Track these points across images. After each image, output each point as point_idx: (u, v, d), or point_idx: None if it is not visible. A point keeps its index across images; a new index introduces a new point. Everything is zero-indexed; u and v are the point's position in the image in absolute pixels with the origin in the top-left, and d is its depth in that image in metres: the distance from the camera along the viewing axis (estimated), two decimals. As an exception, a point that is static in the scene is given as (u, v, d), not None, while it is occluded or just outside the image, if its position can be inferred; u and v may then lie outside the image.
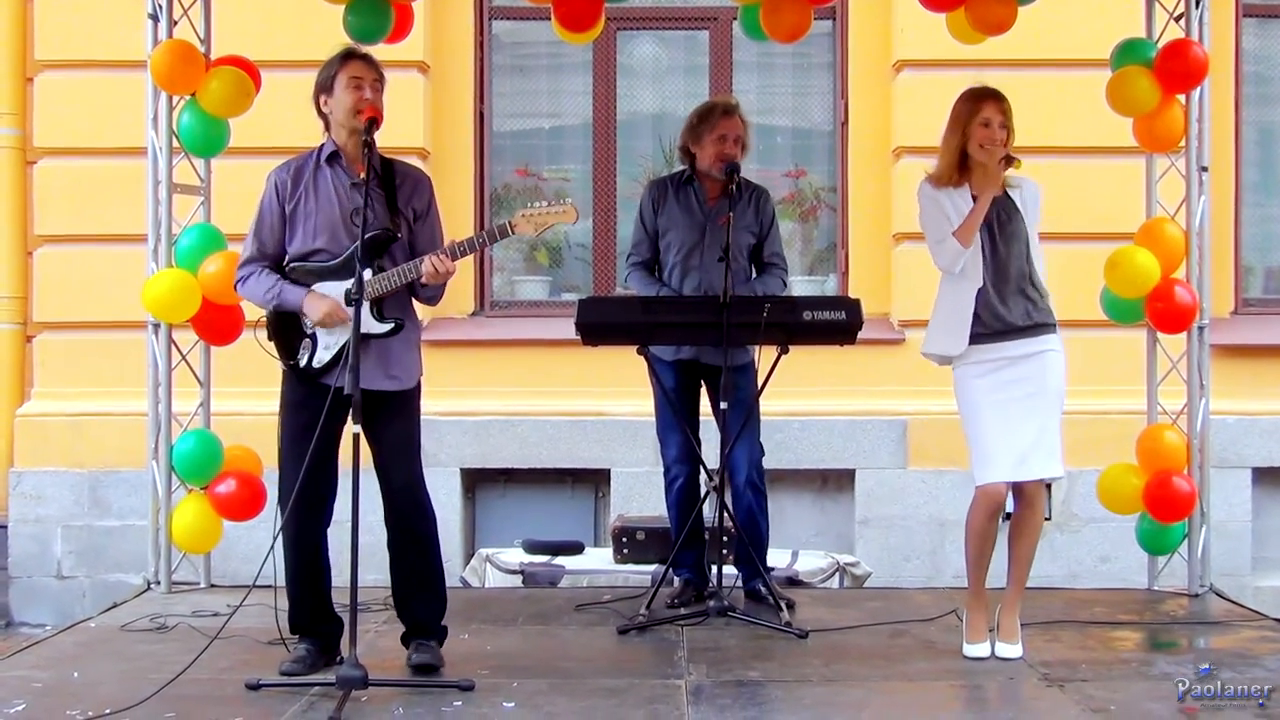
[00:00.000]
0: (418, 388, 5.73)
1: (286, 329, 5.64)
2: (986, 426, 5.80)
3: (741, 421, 6.64)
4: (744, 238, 6.81)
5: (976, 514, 5.87)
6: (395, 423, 5.60)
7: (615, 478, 9.29)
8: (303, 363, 5.60)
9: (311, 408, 5.38)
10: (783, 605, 6.58)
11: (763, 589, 6.83)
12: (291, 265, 5.61)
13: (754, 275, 6.90)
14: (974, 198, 5.82)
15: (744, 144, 6.81)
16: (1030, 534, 5.92)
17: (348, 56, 5.64)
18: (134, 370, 7.83)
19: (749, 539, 6.81)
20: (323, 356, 5.55)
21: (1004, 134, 5.81)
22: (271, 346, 5.71)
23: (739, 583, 6.86)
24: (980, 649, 5.88)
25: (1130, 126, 7.27)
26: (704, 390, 6.89)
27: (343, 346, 5.43)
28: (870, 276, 9.35)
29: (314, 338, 5.57)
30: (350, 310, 5.27)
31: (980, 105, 5.83)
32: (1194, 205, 7.24)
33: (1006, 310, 5.81)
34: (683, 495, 6.85)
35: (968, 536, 5.93)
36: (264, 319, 5.76)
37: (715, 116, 6.80)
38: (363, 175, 5.50)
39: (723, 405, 6.34)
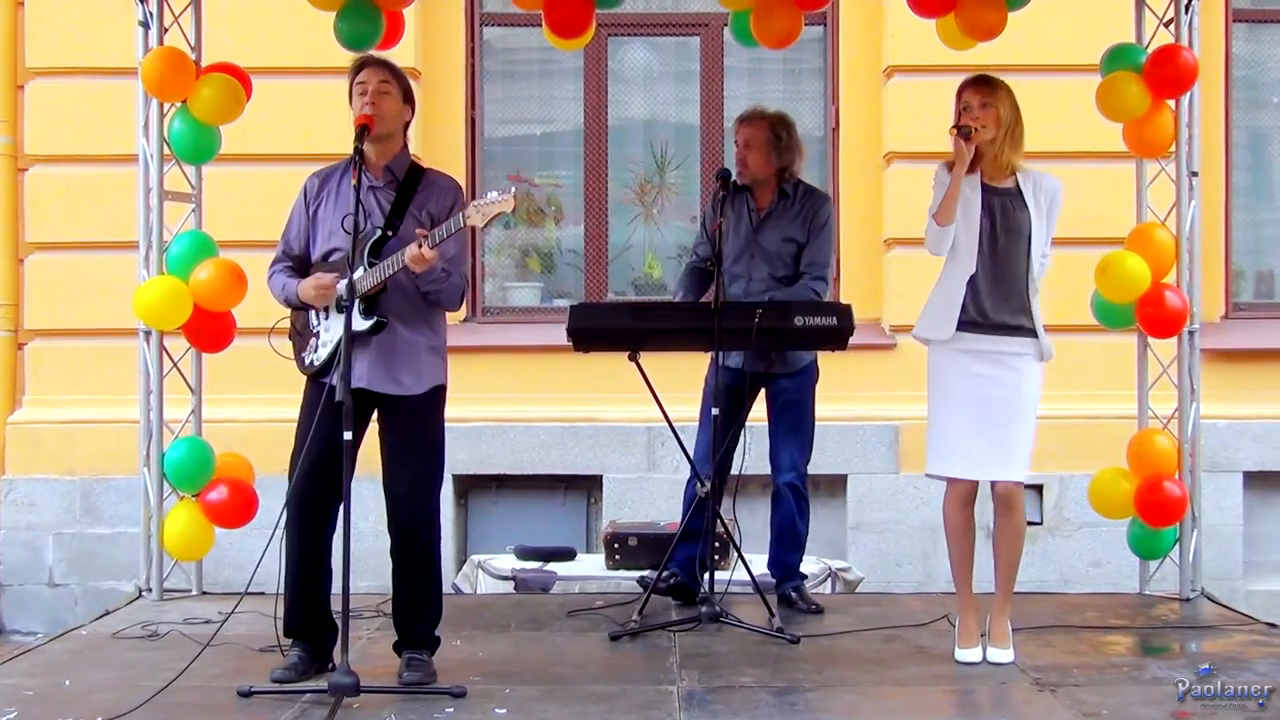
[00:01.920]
0: (433, 396, 5.63)
1: (301, 331, 5.69)
2: (947, 417, 5.85)
3: (789, 427, 6.86)
4: (785, 245, 6.87)
5: (949, 507, 5.93)
6: (401, 430, 5.57)
7: (607, 484, 9.30)
8: (306, 361, 5.64)
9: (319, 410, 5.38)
10: (815, 607, 6.92)
11: (793, 595, 6.98)
12: (314, 265, 5.66)
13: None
14: (983, 185, 5.84)
15: (766, 146, 6.85)
16: (1011, 539, 5.93)
17: (359, 66, 5.66)
18: (125, 377, 7.82)
19: (787, 541, 6.96)
20: (321, 354, 5.57)
21: (985, 114, 5.80)
22: (288, 349, 5.73)
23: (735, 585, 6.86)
24: (972, 654, 5.88)
25: (1120, 131, 7.29)
26: (762, 395, 6.93)
27: (338, 343, 5.42)
28: (861, 282, 9.36)
29: (318, 335, 5.61)
30: (339, 287, 5.36)
31: (961, 92, 5.89)
32: (1184, 210, 7.26)
33: (992, 304, 5.81)
34: (697, 495, 6.85)
35: (946, 533, 5.97)
36: (279, 324, 5.79)
37: (736, 126, 6.99)
38: (380, 179, 5.60)
39: (714, 411, 6.36)
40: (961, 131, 5.73)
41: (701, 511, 6.65)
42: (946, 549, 6.00)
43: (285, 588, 5.63)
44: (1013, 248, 5.83)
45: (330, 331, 5.54)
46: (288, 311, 5.75)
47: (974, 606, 5.96)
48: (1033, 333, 5.86)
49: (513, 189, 5.48)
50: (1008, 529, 5.91)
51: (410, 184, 5.64)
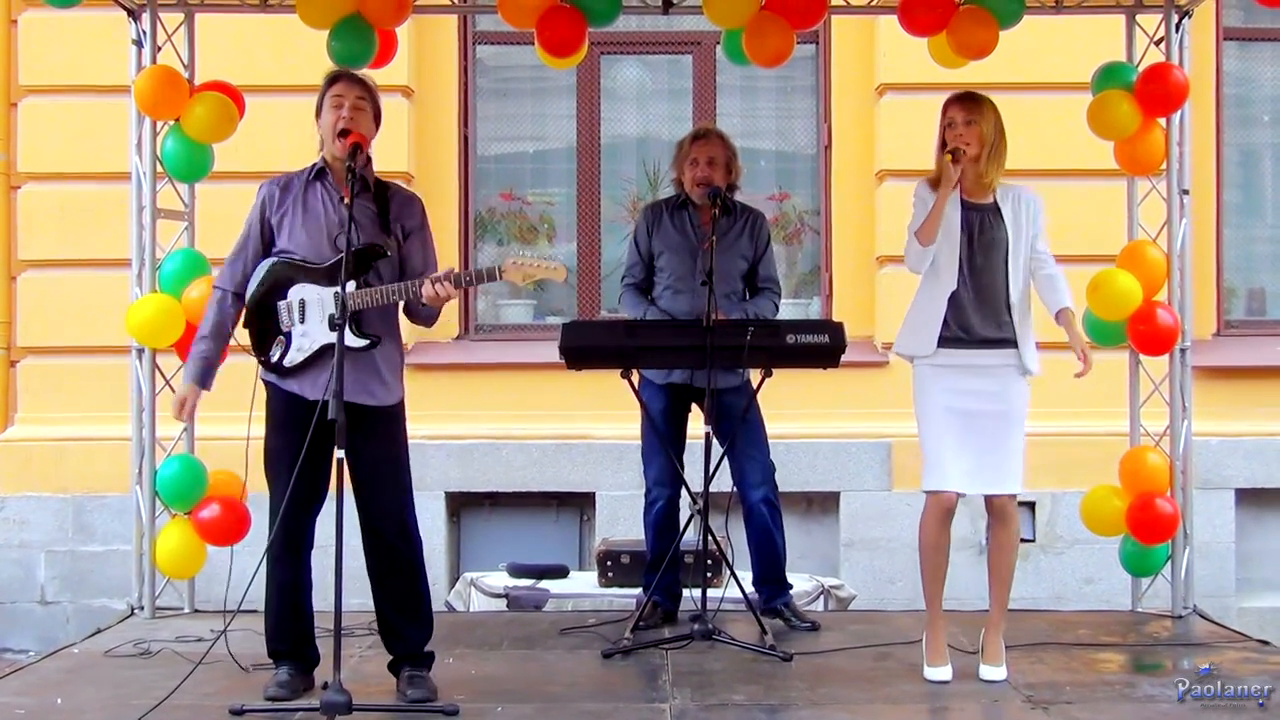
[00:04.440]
0: (400, 407, 5.69)
1: (263, 320, 5.62)
2: (939, 432, 5.84)
3: (749, 441, 6.80)
4: (737, 262, 6.88)
5: (927, 521, 5.91)
6: (375, 441, 5.56)
7: (600, 501, 9.29)
8: (274, 358, 5.58)
9: (293, 425, 5.37)
10: (809, 624, 6.94)
11: (785, 611, 6.98)
12: (278, 253, 5.61)
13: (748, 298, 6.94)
14: (961, 202, 5.87)
15: (725, 165, 6.86)
16: (1007, 552, 5.94)
17: (333, 79, 5.68)
18: (118, 395, 7.81)
19: (766, 557, 6.96)
20: (294, 357, 5.54)
21: (970, 130, 5.84)
22: (244, 336, 5.71)
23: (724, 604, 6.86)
24: (942, 672, 5.88)
25: (1111, 150, 7.31)
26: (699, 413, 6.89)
27: (316, 352, 5.47)
28: (854, 299, 9.37)
29: (289, 336, 5.56)
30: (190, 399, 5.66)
31: (946, 109, 5.94)
32: (1175, 228, 7.29)
33: (977, 320, 5.84)
34: (661, 519, 6.88)
35: (920, 548, 5.96)
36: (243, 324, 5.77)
37: (687, 143, 6.96)
38: (348, 195, 5.54)
39: (706, 428, 6.35)
40: (954, 154, 5.76)
41: (672, 535, 6.74)
42: (920, 565, 5.99)
43: (270, 609, 5.63)
44: (991, 263, 5.86)
45: (307, 337, 5.51)
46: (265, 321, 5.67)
47: (941, 622, 5.97)
48: (1014, 344, 5.88)
49: (558, 259, 5.54)
50: (1004, 541, 5.92)
51: (381, 196, 5.66)
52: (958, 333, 5.84)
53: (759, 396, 6.69)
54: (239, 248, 5.70)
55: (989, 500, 5.90)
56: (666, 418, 6.83)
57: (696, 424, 6.79)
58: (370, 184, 5.64)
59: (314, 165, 5.68)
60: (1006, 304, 5.87)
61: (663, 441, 6.76)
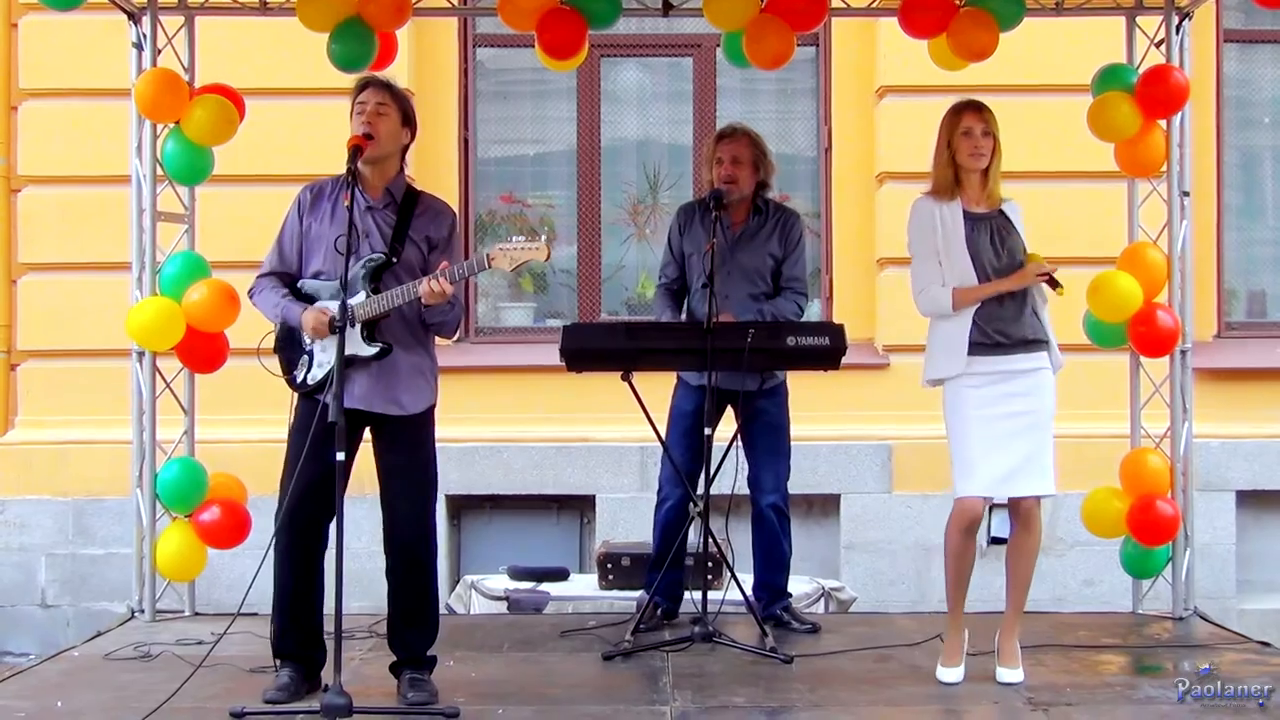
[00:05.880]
0: (427, 416, 5.68)
1: (289, 345, 5.68)
2: (972, 440, 5.81)
3: (768, 447, 6.85)
4: (766, 261, 6.89)
5: (952, 529, 5.88)
6: (399, 450, 5.60)
7: (600, 504, 9.29)
8: (299, 378, 5.64)
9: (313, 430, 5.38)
10: (809, 626, 6.96)
11: (784, 615, 6.97)
12: (300, 283, 5.66)
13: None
14: (965, 212, 5.87)
15: (752, 163, 6.87)
16: (1027, 555, 5.92)
17: (360, 87, 5.68)
18: (118, 398, 7.82)
19: (771, 562, 6.96)
20: (315, 374, 5.58)
21: (987, 141, 5.86)
22: (275, 365, 5.72)
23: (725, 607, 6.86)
24: (953, 674, 5.87)
25: (1112, 151, 7.31)
26: (731, 414, 6.88)
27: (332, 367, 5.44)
28: (854, 301, 9.37)
29: (311, 354, 5.61)
30: (333, 308, 5.38)
31: (961, 116, 5.90)
32: (1176, 229, 7.28)
33: (1009, 324, 5.83)
34: (671, 517, 6.87)
35: (946, 554, 5.94)
36: (266, 340, 5.78)
37: (713, 143, 6.98)
38: (378, 200, 5.62)
39: (707, 431, 6.37)
40: (1053, 283, 5.81)
41: (679, 535, 6.74)
42: (945, 569, 5.97)
43: (275, 608, 5.63)
44: (1016, 266, 5.87)
45: (327, 351, 5.52)
46: (274, 328, 5.74)
47: (960, 626, 5.95)
48: (1048, 344, 5.91)
49: (542, 237, 5.53)
50: (1026, 544, 5.90)
51: (408, 207, 5.65)
52: (997, 339, 5.82)
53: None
54: (276, 241, 5.75)
55: (1015, 503, 5.87)
56: (695, 417, 6.77)
57: (728, 426, 6.83)
58: (397, 195, 5.65)
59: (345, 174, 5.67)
60: (1034, 306, 5.89)
61: (683, 440, 6.75)
